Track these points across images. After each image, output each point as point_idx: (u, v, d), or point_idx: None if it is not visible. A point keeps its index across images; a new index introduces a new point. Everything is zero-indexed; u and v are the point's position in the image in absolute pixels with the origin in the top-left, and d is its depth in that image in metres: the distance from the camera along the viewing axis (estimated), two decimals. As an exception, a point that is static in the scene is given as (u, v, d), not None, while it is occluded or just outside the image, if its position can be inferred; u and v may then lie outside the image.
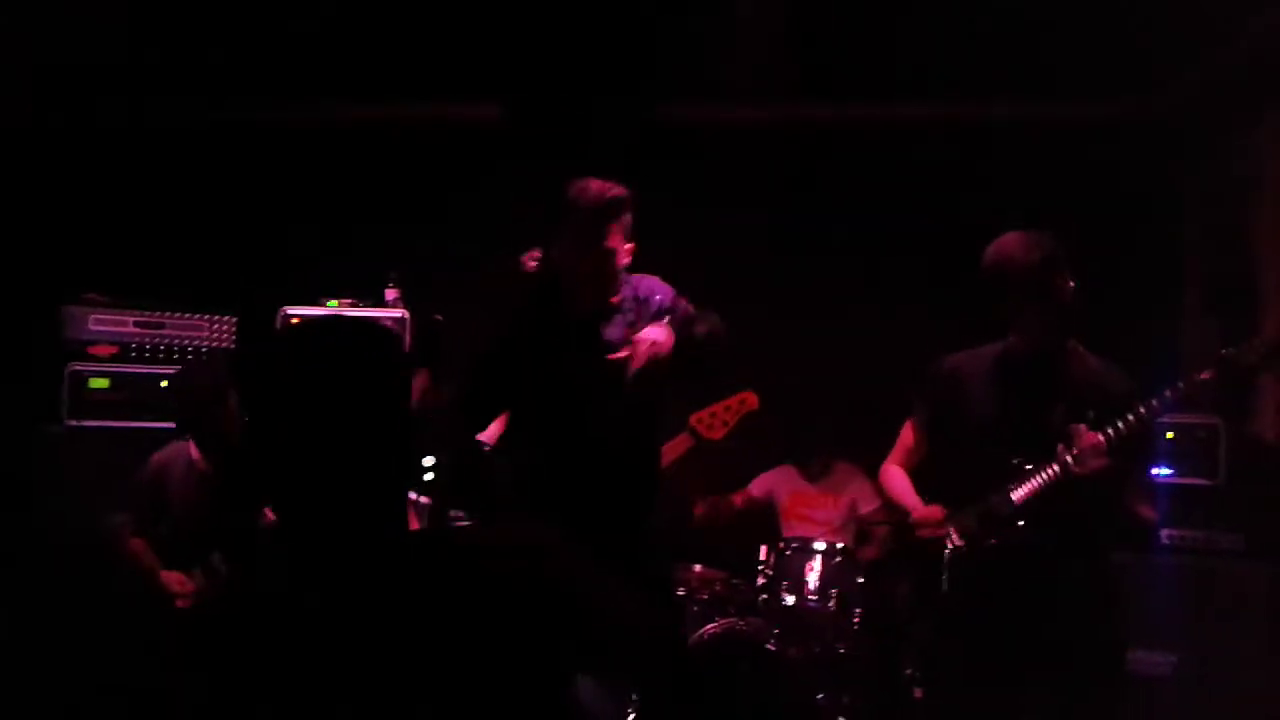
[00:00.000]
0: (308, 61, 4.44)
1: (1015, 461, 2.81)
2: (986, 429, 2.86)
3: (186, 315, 4.37)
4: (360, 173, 4.98)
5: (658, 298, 3.00)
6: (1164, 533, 3.80)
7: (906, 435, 3.13)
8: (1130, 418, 2.68)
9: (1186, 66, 4.37)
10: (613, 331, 2.95)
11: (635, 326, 2.94)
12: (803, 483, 4.72)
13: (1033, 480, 2.78)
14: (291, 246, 4.92)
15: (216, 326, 4.38)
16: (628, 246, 2.94)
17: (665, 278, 3.05)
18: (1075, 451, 2.69)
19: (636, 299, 3.00)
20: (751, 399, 3.77)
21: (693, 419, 3.75)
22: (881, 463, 3.18)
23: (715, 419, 3.74)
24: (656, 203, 4.53)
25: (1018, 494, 2.80)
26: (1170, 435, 3.83)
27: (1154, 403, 2.69)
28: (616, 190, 2.87)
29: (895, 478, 3.10)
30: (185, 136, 5.09)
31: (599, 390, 2.85)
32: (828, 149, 4.85)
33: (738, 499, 4.77)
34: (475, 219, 4.74)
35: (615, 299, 2.96)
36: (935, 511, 2.91)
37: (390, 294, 4.42)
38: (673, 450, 3.69)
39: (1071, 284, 2.80)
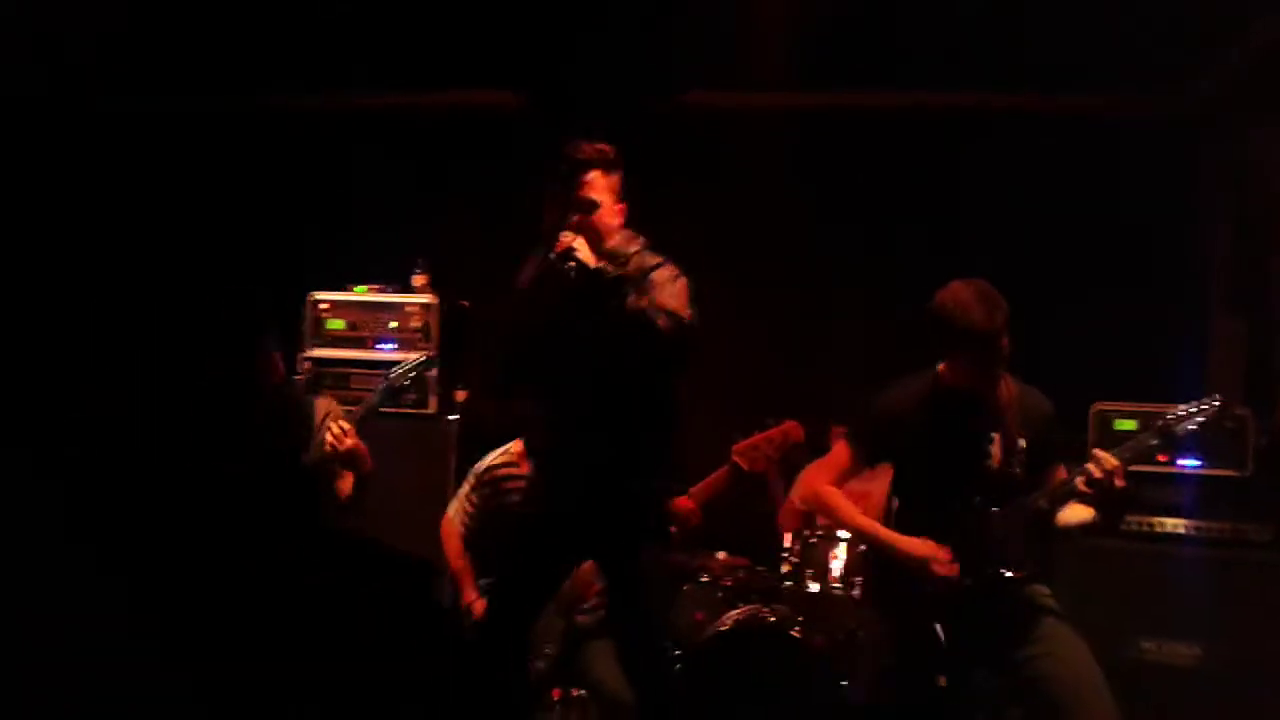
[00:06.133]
0: (339, 48, 4.49)
1: (977, 500, 2.86)
2: (935, 471, 2.90)
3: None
4: (389, 159, 5.01)
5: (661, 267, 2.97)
6: (1191, 524, 3.77)
7: (840, 456, 3.08)
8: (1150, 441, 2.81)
9: (1213, 61, 4.36)
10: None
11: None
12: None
13: (1017, 516, 2.86)
14: (319, 233, 4.96)
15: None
16: (619, 206, 2.96)
17: (688, 258, 3.03)
18: (1098, 474, 2.73)
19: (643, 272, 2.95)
20: (795, 431, 3.70)
21: (735, 452, 3.68)
22: None
23: (758, 452, 3.67)
24: (679, 187, 4.59)
25: (1010, 531, 2.86)
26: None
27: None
28: (602, 146, 2.92)
29: (844, 503, 3.05)
30: (214, 124, 5.14)
31: (590, 341, 2.85)
32: (853, 137, 4.84)
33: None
34: (504, 205, 4.77)
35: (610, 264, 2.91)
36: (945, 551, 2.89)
37: (418, 280, 4.44)
38: (714, 484, 3.66)
39: (1008, 340, 2.81)
